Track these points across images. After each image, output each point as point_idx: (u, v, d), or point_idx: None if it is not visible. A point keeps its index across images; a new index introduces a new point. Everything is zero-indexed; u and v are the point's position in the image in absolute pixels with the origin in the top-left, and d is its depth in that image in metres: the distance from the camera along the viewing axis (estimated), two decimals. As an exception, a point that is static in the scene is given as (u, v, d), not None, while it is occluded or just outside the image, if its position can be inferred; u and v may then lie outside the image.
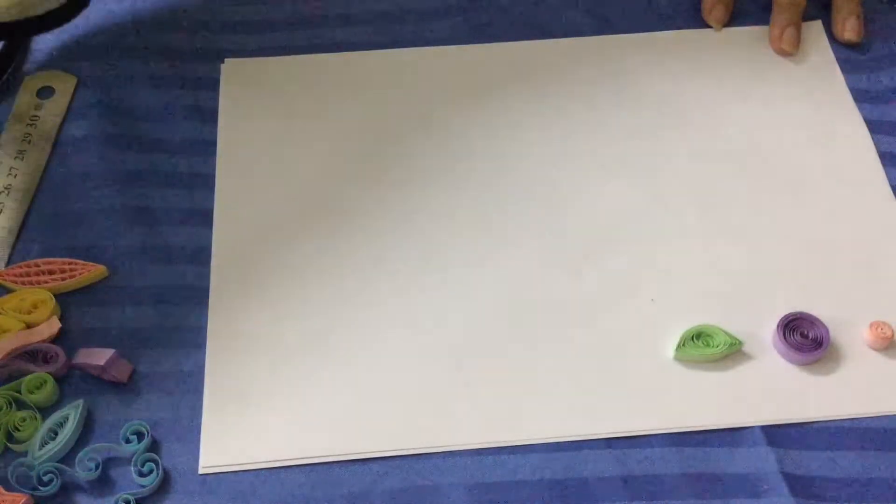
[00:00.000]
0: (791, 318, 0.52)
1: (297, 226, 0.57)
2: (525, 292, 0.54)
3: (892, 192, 0.58)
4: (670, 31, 0.66)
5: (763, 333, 0.52)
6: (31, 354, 0.51)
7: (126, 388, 0.51)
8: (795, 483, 0.47)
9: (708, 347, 0.51)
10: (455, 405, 0.50)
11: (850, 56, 0.65)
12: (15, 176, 0.59)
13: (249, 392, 0.50)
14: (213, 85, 0.63)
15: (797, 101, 0.62)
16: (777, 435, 0.49)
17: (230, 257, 0.55)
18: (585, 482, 0.48)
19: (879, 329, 0.51)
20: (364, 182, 0.58)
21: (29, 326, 0.52)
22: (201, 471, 0.48)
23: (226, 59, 0.64)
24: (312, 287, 0.54)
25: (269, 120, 0.61)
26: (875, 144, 0.60)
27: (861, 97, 0.63)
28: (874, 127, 0.61)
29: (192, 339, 0.52)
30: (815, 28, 0.66)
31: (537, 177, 0.58)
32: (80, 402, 0.49)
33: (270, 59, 0.65)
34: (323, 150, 0.60)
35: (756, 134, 0.61)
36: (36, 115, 0.61)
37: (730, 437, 0.49)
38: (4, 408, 0.49)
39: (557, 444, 0.49)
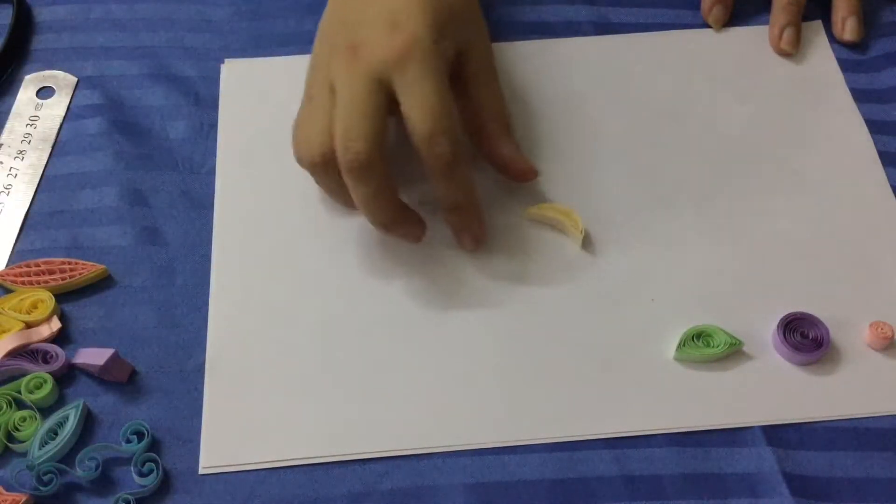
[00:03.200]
0: (791, 317, 0.52)
1: (298, 226, 0.57)
2: (525, 292, 0.54)
3: (892, 192, 0.58)
4: (670, 31, 0.66)
5: (763, 333, 0.52)
6: (31, 354, 0.51)
7: (126, 388, 0.51)
8: (795, 483, 0.47)
9: (708, 347, 0.51)
10: (455, 405, 0.50)
11: (850, 56, 0.65)
12: (15, 176, 0.59)
13: (250, 392, 0.50)
14: (213, 85, 0.63)
15: (797, 101, 0.62)
16: (777, 435, 0.49)
17: (230, 257, 0.55)
18: (585, 482, 0.48)
19: (879, 329, 0.51)
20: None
21: (29, 326, 0.52)
22: (201, 471, 0.48)
23: (226, 60, 0.64)
24: (312, 286, 0.54)
25: (269, 120, 0.61)
26: (875, 144, 0.60)
27: (861, 97, 0.63)
28: (874, 127, 0.61)
29: (192, 339, 0.52)
30: (815, 28, 0.66)
31: (537, 180, 0.58)
32: (80, 402, 0.49)
33: (270, 59, 0.65)
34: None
35: (756, 133, 0.61)
36: (36, 115, 0.61)
37: (730, 437, 0.49)
38: (4, 408, 0.49)
39: (557, 444, 0.49)
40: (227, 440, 0.49)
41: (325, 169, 0.51)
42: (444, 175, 0.51)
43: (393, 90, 0.50)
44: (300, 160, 0.53)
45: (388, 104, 0.50)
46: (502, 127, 0.56)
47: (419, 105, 0.49)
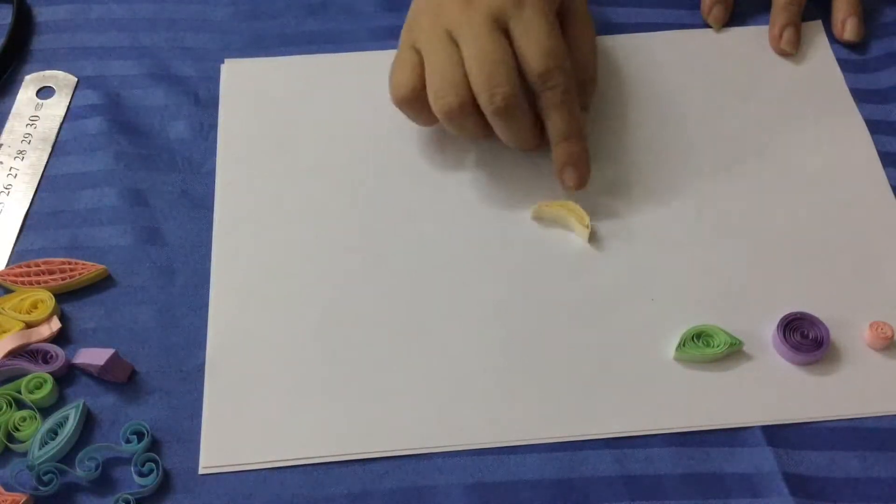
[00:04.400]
0: (791, 317, 0.52)
1: (298, 226, 0.57)
2: (525, 292, 0.54)
3: (892, 192, 0.58)
4: (670, 31, 0.66)
5: (763, 333, 0.52)
6: (31, 354, 0.51)
7: (126, 388, 0.51)
8: (795, 483, 0.47)
9: (708, 347, 0.51)
10: (455, 405, 0.50)
11: (850, 56, 0.65)
12: (15, 176, 0.59)
13: (249, 392, 0.50)
14: (213, 85, 0.63)
15: (797, 101, 0.62)
16: (777, 435, 0.49)
17: (230, 257, 0.55)
18: (585, 482, 0.48)
19: (879, 329, 0.51)
20: (365, 181, 0.58)
21: (29, 326, 0.52)
22: (201, 471, 0.48)
23: (226, 60, 0.64)
24: (313, 286, 0.54)
25: (269, 120, 0.61)
26: (875, 144, 0.60)
27: (861, 97, 0.63)
28: (874, 127, 0.61)
29: (192, 339, 0.52)
30: (815, 28, 0.66)
31: (539, 178, 0.58)
32: (80, 402, 0.49)
33: (270, 59, 0.65)
34: (323, 150, 0.60)
35: (756, 134, 0.61)
36: (36, 115, 0.61)
37: (730, 437, 0.49)
38: (4, 408, 0.49)
39: (557, 444, 0.49)
40: (227, 440, 0.49)
41: (463, 117, 0.54)
42: (559, 107, 0.54)
43: (509, 30, 0.54)
44: (436, 108, 0.55)
45: (510, 43, 0.53)
46: (586, 79, 0.58)
47: (535, 43, 0.53)
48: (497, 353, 0.52)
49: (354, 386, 0.51)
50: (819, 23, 0.67)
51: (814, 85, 0.63)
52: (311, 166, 0.59)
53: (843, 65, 0.64)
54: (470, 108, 0.54)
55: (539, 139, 0.56)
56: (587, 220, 0.55)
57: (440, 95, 0.54)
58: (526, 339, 0.52)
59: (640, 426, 0.49)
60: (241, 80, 0.63)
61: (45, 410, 0.49)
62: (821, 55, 0.65)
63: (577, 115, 0.55)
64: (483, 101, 0.53)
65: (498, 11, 0.53)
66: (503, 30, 0.53)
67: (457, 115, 0.54)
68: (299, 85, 0.63)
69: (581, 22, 0.58)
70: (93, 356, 0.50)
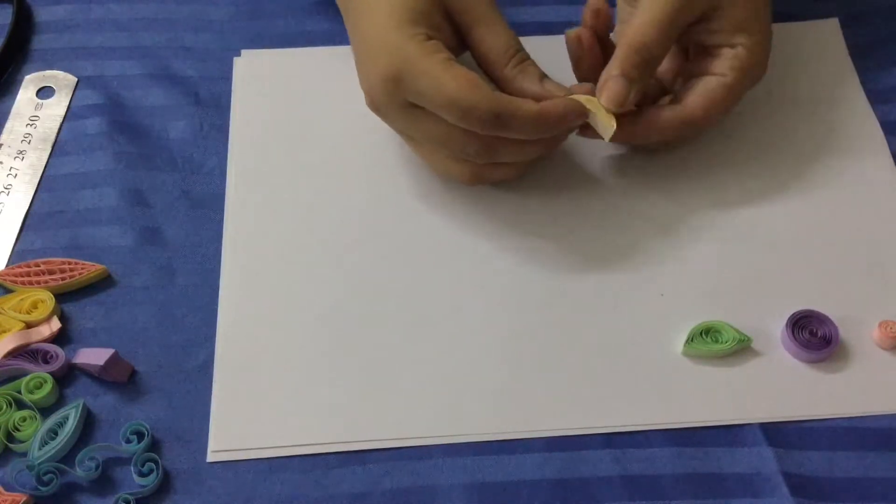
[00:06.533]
0: (800, 315, 0.52)
1: (308, 217, 0.57)
2: (534, 286, 0.54)
3: (903, 193, 0.58)
4: None
5: (772, 330, 0.52)
6: (31, 354, 0.51)
7: (126, 388, 0.51)
8: (795, 483, 0.47)
9: (716, 343, 0.51)
10: (462, 397, 0.50)
11: (866, 56, 0.64)
12: (15, 176, 0.58)
13: (257, 381, 0.51)
14: (214, 85, 0.63)
15: (811, 100, 0.62)
16: (777, 435, 0.49)
17: (241, 248, 0.55)
18: (585, 482, 0.48)
19: (889, 328, 0.51)
20: (378, 176, 0.58)
21: (29, 326, 0.52)
22: (210, 458, 0.48)
23: (242, 52, 0.64)
24: (322, 276, 0.54)
25: (282, 112, 0.61)
26: (889, 145, 0.60)
27: (876, 98, 0.62)
28: (888, 128, 0.61)
29: (191, 338, 0.52)
30: (831, 27, 0.66)
31: (547, 171, 0.58)
32: (80, 402, 0.49)
33: (285, 50, 0.64)
34: (336, 142, 0.60)
35: (768, 132, 0.60)
36: (36, 115, 0.61)
37: (730, 436, 0.49)
38: (4, 408, 0.49)
39: (557, 444, 0.49)
40: (236, 428, 0.49)
41: (486, 171, 0.54)
42: (500, 134, 0.50)
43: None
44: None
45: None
46: (515, 65, 0.53)
47: (435, 105, 0.49)
48: (505, 348, 0.52)
49: (360, 377, 0.51)
50: (835, 20, 0.66)
51: (828, 84, 0.63)
52: (324, 158, 0.59)
53: (859, 65, 0.64)
54: (493, 152, 0.52)
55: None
56: (613, 118, 0.52)
57: (450, 177, 0.56)
58: (534, 332, 0.52)
59: (646, 421, 0.49)
60: (255, 74, 0.63)
61: (45, 410, 0.49)
62: (836, 55, 0.64)
63: (521, 122, 0.50)
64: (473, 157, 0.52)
65: (387, 97, 0.51)
66: (411, 105, 0.51)
67: (481, 175, 0.54)
68: (314, 76, 0.63)
69: (478, 17, 0.53)
70: (93, 356, 0.50)
